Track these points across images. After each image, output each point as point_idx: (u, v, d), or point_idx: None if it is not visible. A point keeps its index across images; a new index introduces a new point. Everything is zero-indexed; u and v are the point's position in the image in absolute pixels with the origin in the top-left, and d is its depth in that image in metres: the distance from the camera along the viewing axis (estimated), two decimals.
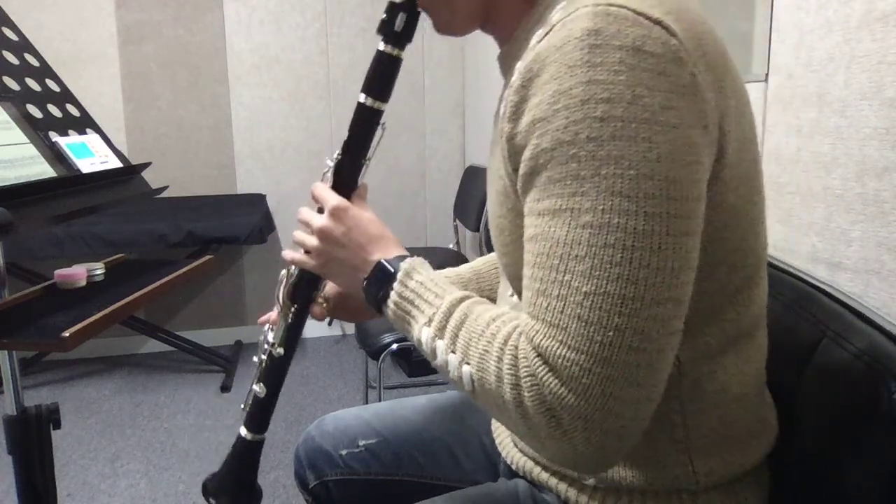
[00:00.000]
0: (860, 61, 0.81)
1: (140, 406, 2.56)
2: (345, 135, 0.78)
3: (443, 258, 2.79)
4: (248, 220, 2.63)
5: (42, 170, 0.98)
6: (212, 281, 3.15)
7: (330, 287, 0.90)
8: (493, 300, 0.89)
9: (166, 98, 3.01)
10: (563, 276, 0.52)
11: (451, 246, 3.10)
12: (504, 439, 0.83)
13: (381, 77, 0.75)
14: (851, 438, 0.63)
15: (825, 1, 0.89)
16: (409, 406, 1.01)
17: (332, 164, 0.79)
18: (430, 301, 0.64)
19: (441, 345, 0.61)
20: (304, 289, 0.83)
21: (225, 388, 2.70)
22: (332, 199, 0.75)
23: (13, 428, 1.00)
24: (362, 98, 0.76)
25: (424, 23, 0.76)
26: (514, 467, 0.78)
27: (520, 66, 0.58)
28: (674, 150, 0.52)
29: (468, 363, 0.59)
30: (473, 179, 2.75)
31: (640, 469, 0.66)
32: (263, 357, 0.86)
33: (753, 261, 0.64)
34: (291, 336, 0.84)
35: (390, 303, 0.68)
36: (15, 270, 2.61)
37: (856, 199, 0.83)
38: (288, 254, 0.81)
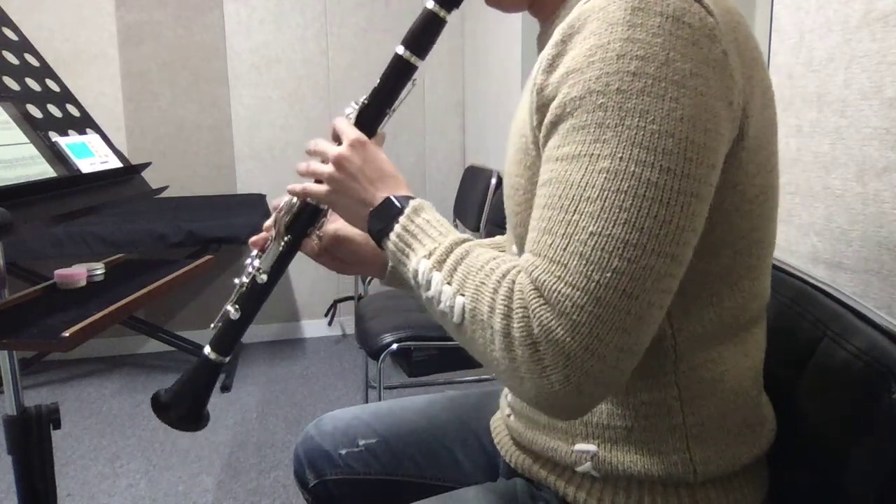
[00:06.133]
0: (860, 61, 0.81)
1: (140, 406, 2.56)
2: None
3: None
4: (248, 220, 2.63)
5: (42, 170, 0.98)
6: (212, 281, 3.15)
7: (327, 227, 0.92)
8: None
9: (166, 98, 3.01)
10: (572, 217, 0.54)
11: None
12: (503, 438, 0.83)
13: (424, 34, 0.76)
14: (851, 438, 0.63)
15: (825, 1, 0.89)
16: (408, 406, 1.01)
17: (356, 106, 0.81)
18: (433, 237, 0.66)
19: (437, 276, 0.63)
20: (303, 222, 0.84)
21: (225, 388, 2.69)
22: (353, 132, 0.77)
23: (13, 428, 1.01)
24: (400, 50, 0.77)
25: None
26: (512, 465, 0.79)
27: (561, 25, 0.60)
28: (696, 115, 0.53)
29: (463, 294, 0.60)
30: (473, 179, 2.74)
31: (638, 454, 0.66)
32: (245, 280, 0.87)
33: (758, 252, 0.65)
34: (278, 266, 0.85)
35: (393, 235, 0.69)
36: (15, 270, 2.61)
37: (856, 199, 0.83)
38: (296, 186, 0.81)
